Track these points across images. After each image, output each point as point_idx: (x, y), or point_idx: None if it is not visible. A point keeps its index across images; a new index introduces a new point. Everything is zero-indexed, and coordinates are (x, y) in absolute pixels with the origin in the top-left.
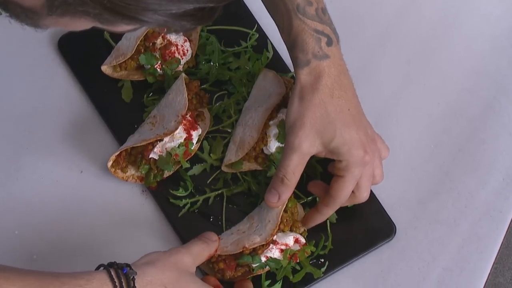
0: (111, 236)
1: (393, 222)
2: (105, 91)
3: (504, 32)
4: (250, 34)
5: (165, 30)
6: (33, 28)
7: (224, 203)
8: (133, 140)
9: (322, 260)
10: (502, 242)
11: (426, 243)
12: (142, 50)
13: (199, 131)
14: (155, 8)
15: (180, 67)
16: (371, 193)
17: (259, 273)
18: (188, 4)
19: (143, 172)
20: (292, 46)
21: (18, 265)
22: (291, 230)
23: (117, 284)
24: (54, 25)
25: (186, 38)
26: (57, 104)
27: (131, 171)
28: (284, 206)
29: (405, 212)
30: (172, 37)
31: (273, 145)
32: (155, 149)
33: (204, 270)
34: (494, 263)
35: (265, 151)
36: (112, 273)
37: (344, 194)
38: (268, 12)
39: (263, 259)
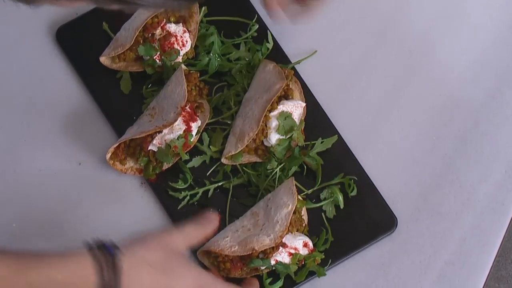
0: (110, 229)
1: (394, 215)
2: (104, 83)
3: (507, 23)
4: (250, 25)
5: (164, 20)
6: (27, 5)
7: (229, 197)
8: (132, 132)
9: (324, 255)
10: (504, 235)
11: (427, 236)
12: (141, 41)
13: (199, 122)
14: None
15: (179, 58)
16: (372, 185)
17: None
18: None
19: (142, 164)
20: None
21: None
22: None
23: (101, 265)
24: (49, 2)
25: (185, 29)
26: (55, 95)
27: (130, 163)
28: (294, 208)
29: (406, 205)
30: (172, 28)
31: (273, 137)
32: (154, 141)
33: (209, 268)
34: (496, 256)
35: (265, 143)
36: (97, 253)
37: None
38: None
39: (272, 262)
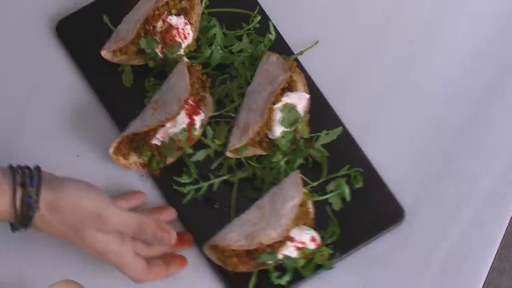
0: None
1: (401, 206)
2: (105, 76)
3: (509, 10)
4: (252, 16)
5: (165, 13)
6: None
7: (235, 191)
8: (135, 126)
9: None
10: (507, 227)
11: (428, 228)
12: (142, 33)
13: (202, 116)
14: None
15: (181, 51)
16: (379, 176)
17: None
18: None
19: (145, 158)
20: None
21: (12, 250)
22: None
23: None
24: None
25: (187, 21)
26: (56, 88)
27: (133, 158)
28: (300, 201)
29: (407, 197)
30: (173, 21)
31: (278, 130)
32: (158, 135)
33: (215, 263)
34: (498, 248)
35: (270, 136)
36: (19, 179)
37: None
38: None
39: (280, 256)
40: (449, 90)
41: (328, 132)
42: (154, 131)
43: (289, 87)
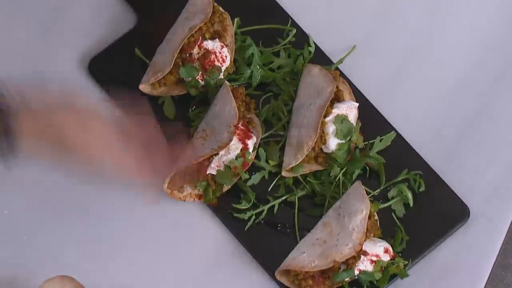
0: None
1: (465, 204)
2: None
3: None
4: (287, 30)
5: (200, 38)
6: None
7: (296, 210)
8: (188, 158)
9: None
10: None
11: None
12: (180, 63)
13: (254, 139)
14: None
15: (221, 75)
16: (438, 177)
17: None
18: None
19: (201, 189)
20: None
21: (7, 245)
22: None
23: None
24: None
25: (222, 44)
26: None
27: (188, 190)
28: (369, 213)
29: None
30: (209, 45)
31: (333, 143)
32: (212, 164)
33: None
34: (503, 244)
35: (325, 150)
36: None
37: None
38: None
39: (356, 272)
40: (453, 83)
41: (382, 138)
42: (207, 160)
43: (337, 98)
